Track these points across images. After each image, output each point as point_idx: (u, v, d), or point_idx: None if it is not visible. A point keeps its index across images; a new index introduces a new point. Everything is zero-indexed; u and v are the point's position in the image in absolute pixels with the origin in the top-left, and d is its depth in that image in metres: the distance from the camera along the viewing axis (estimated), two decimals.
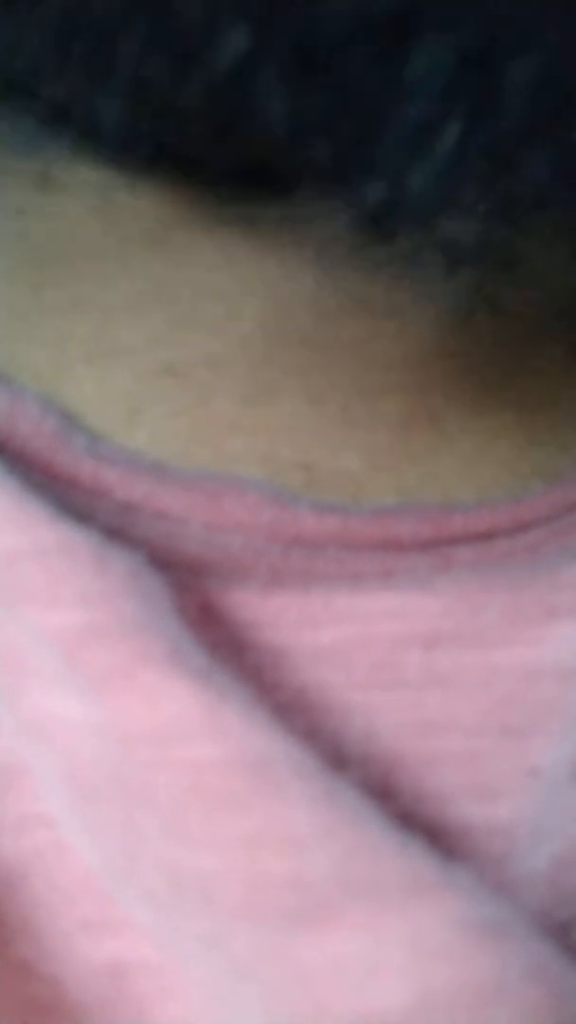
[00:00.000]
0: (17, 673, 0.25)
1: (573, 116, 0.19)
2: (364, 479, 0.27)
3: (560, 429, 0.28)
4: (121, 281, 0.26)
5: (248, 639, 0.26)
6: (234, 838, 0.24)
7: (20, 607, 0.24)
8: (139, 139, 0.22)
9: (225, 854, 0.24)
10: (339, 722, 0.26)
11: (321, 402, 0.27)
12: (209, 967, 0.24)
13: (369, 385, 0.27)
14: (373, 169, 0.21)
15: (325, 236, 0.25)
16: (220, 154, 0.22)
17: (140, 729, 0.24)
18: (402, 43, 0.19)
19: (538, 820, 0.26)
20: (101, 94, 0.21)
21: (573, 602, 0.27)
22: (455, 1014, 0.23)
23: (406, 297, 0.26)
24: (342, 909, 0.23)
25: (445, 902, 0.23)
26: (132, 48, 0.20)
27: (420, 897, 0.23)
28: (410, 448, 0.27)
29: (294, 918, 0.23)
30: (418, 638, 0.26)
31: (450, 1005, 0.23)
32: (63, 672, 0.24)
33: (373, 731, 0.26)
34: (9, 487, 0.25)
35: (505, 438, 0.28)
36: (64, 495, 0.26)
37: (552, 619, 0.27)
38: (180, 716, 0.24)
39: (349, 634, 0.26)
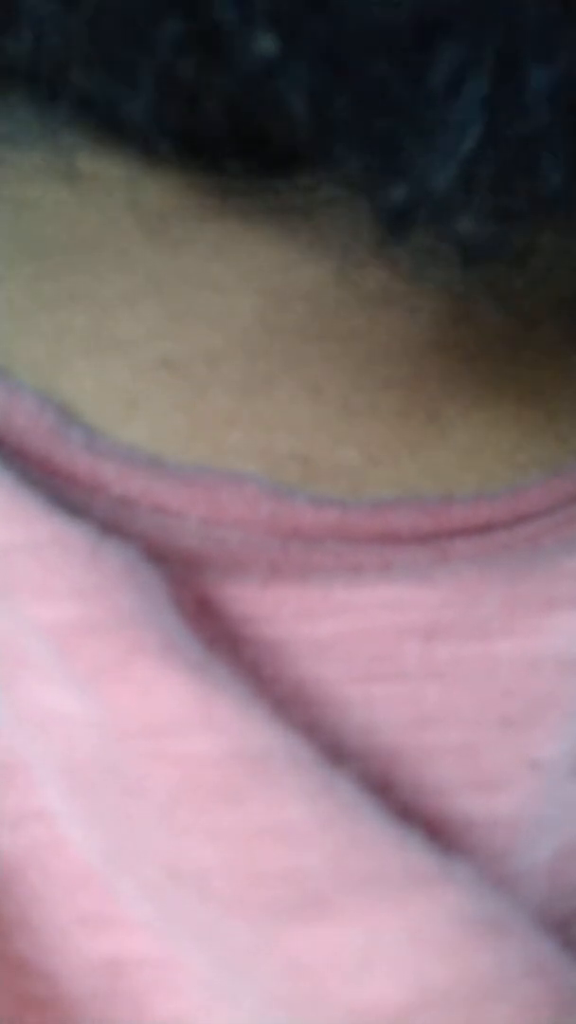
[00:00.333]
0: (12, 666, 0.25)
1: None
2: (362, 472, 0.27)
3: (558, 421, 0.28)
4: (118, 274, 0.26)
5: (246, 633, 0.26)
6: (230, 831, 0.24)
7: (14, 600, 0.25)
8: (162, 133, 0.22)
9: (221, 847, 0.24)
10: (338, 715, 0.26)
11: (319, 395, 0.27)
12: (206, 961, 0.24)
13: (367, 378, 0.27)
14: (396, 170, 0.21)
15: (325, 229, 0.25)
16: (239, 146, 0.23)
17: (135, 722, 0.24)
18: (426, 49, 0.20)
19: (539, 813, 0.26)
20: (129, 88, 0.22)
21: (572, 593, 0.27)
22: (453, 1009, 0.23)
23: (405, 289, 0.26)
24: (339, 902, 0.23)
25: (444, 896, 0.24)
26: (164, 46, 0.21)
27: (418, 891, 0.23)
28: (408, 441, 0.27)
29: (291, 911, 0.24)
30: (417, 630, 0.26)
31: (448, 1000, 0.23)
32: (58, 665, 0.24)
33: (372, 724, 0.26)
34: (5, 481, 0.25)
35: (503, 430, 0.28)
36: (61, 489, 0.26)
37: (551, 610, 0.27)
38: (175, 709, 0.24)
39: (348, 627, 0.26)
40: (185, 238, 0.26)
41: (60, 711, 0.25)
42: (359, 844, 0.24)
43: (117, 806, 0.24)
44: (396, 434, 0.27)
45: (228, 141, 0.22)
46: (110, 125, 0.23)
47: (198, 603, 0.26)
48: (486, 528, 0.27)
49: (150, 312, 0.26)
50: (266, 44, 0.20)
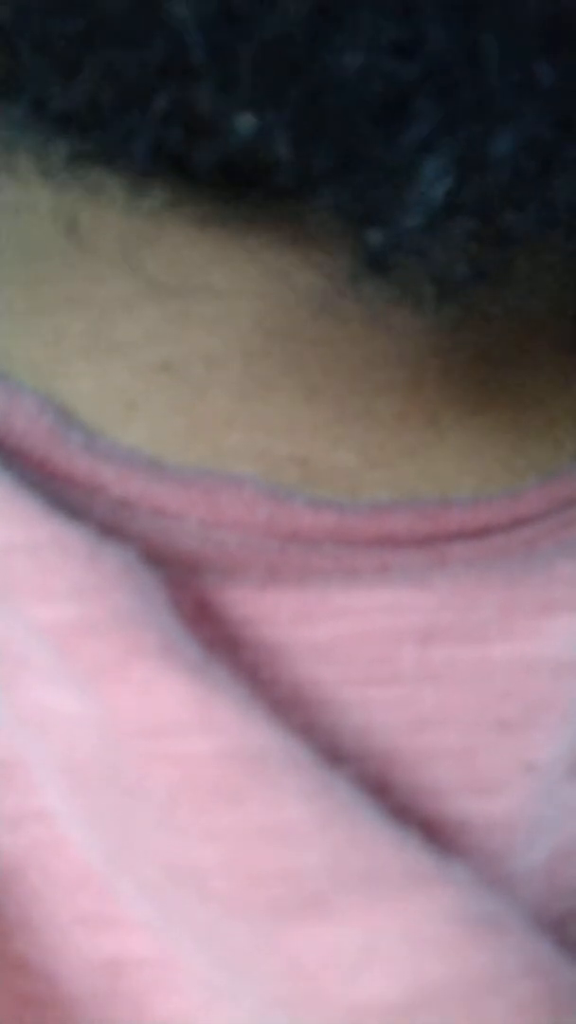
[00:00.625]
0: (12, 667, 0.25)
1: (551, 178, 0.22)
2: (360, 474, 0.27)
3: (555, 425, 0.28)
4: (117, 278, 0.26)
5: (244, 635, 0.26)
6: (228, 830, 0.24)
7: (14, 600, 0.25)
8: (156, 173, 0.24)
9: (219, 846, 0.24)
10: (335, 717, 0.26)
11: (317, 398, 0.27)
12: (206, 960, 0.25)
13: (365, 381, 0.27)
14: (372, 218, 0.23)
15: (320, 234, 0.25)
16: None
17: (134, 722, 0.24)
18: (401, 114, 0.22)
19: (535, 814, 0.26)
20: (123, 144, 0.23)
21: (568, 596, 0.27)
22: (450, 1007, 0.23)
23: (401, 293, 0.26)
24: (337, 901, 0.24)
25: (441, 895, 0.24)
26: (154, 117, 0.22)
27: (415, 890, 0.24)
28: (406, 444, 0.27)
29: (290, 910, 0.24)
30: (413, 633, 0.26)
31: (445, 998, 0.23)
32: (57, 665, 0.25)
33: (369, 726, 0.26)
34: (4, 482, 0.26)
35: (501, 434, 0.28)
36: (60, 491, 0.26)
37: (548, 613, 0.27)
38: (174, 709, 0.24)
39: (345, 630, 0.26)
40: (183, 243, 0.26)
41: (60, 711, 0.25)
42: (357, 844, 0.24)
43: (117, 806, 0.25)
44: (394, 437, 0.27)
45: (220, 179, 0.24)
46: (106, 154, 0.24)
47: (196, 605, 0.26)
48: (483, 531, 0.27)
49: (149, 315, 0.26)
50: (246, 122, 0.22)
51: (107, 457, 0.27)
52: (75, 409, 0.27)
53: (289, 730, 0.24)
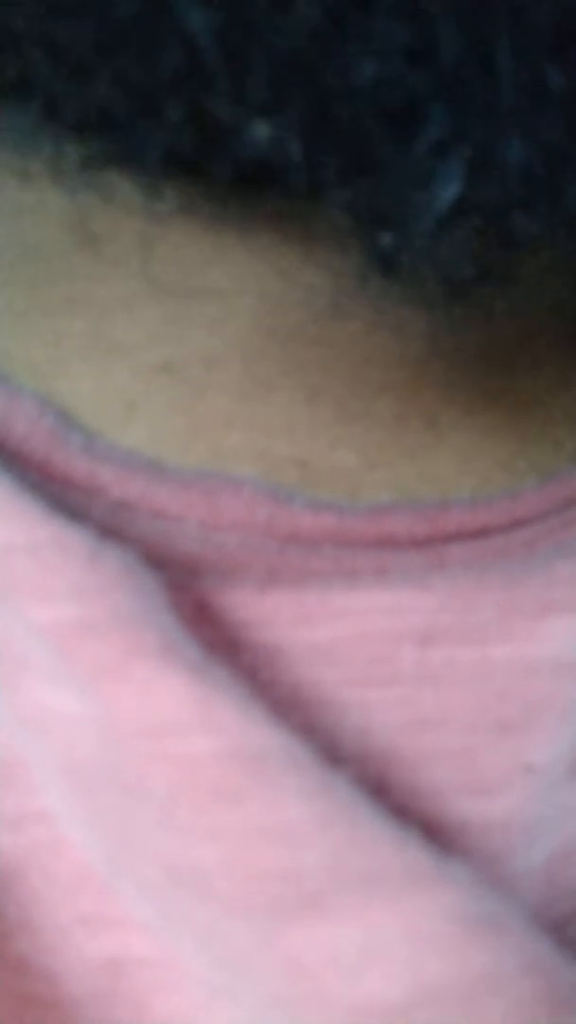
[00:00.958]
0: (12, 667, 0.25)
1: (562, 182, 0.23)
2: (360, 475, 0.27)
3: (554, 426, 0.28)
4: (117, 279, 0.27)
5: (244, 637, 0.26)
6: (228, 830, 0.24)
7: (14, 601, 0.25)
8: (168, 174, 0.24)
9: (220, 846, 0.24)
10: (334, 719, 0.26)
11: (317, 398, 0.27)
12: (206, 960, 0.25)
13: (364, 382, 0.27)
14: (382, 221, 0.23)
15: (322, 234, 0.26)
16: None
17: (134, 722, 0.24)
18: (412, 119, 0.22)
19: (534, 815, 0.26)
20: (137, 148, 0.23)
21: (567, 597, 0.27)
22: (449, 1006, 0.23)
23: (401, 294, 0.26)
24: (337, 901, 0.24)
25: (440, 895, 0.24)
26: (167, 125, 0.22)
27: (415, 889, 0.24)
28: (405, 445, 0.27)
29: (289, 910, 0.24)
30: (412, 634, 0.27)
31: (445, 997, 0.23)
32: (58, 665, 0.25)
33: (368, 728, 0.26)
34: (4, 484, 0.26)
35: (500, 435, 0.28)
36: (61, 493, 0.26)
37: (546, 614, 0.27)
38: (174, 709, 0.24)
39: (344, 631, 0.27)
40: (183, 244, 0.26)
41: (60, 711, 0.25)
42: (357, 843, 0.24)
43: (117, 806, 0.25)
44: (393, 438, 0.27)
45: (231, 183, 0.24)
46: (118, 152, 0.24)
47: (196, 607, 0.26)
48: (482, 533, 0.27)
49: (149, 316, 0.27)
50: (260, 129, 0.22)
51: (107, 459, 0.27)
52: (75, 409, 0.27)
53: (289, 731, 0.25)
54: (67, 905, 0.25)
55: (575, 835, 0.26)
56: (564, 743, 0.26)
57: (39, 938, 0.25)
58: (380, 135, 0.22)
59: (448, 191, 0.22)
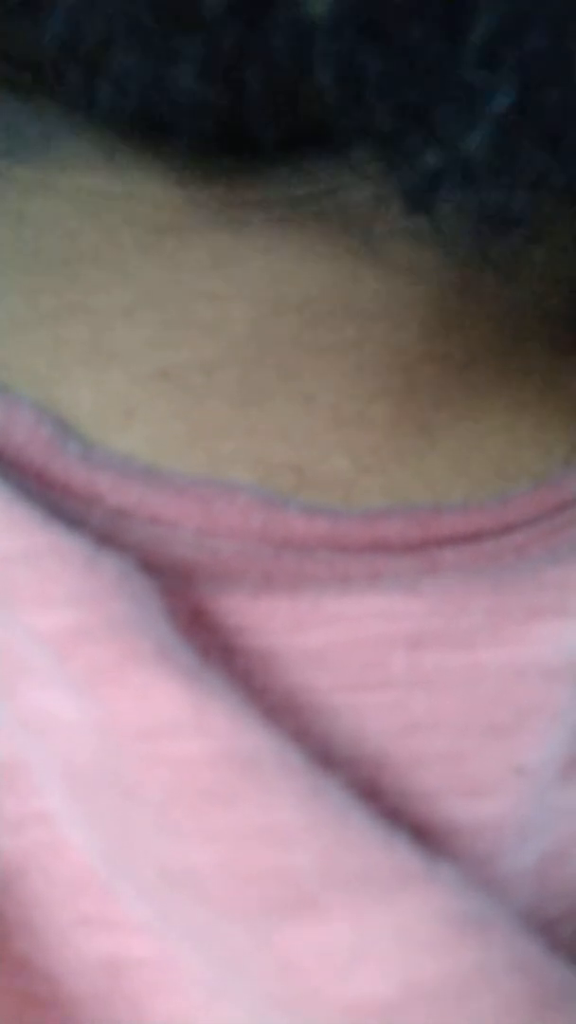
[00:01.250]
0: (12, 672, 0.26)
1: None
2: (354, 480, 0.28)
3: (546, 430, 0.29)
4: (116, 286, 0.27)
5: (238, 643, 0.27)
6: (222, 832, 0.24)
7: (13, 608, 0.25)
8: (199, 112, 0.23)
9: (214, 847, 0.24)
10: (327, 723, 0.27)
11: (311, 404, 0.27)
12: (203, 960, 0.25)
13: (359, 388, 0.27)
14: (429, 134, 0.22)
15: (317, 240, 0.26)
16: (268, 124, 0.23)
17: (131, 726, 0.25)
18: (461, 15, 0.21)
19: (525, 818, 0.26)
20: (174, 65, 0.22)
21: (557, 602, 0.27)
22: (439, 1004, 0.24)
23: (396, 300, 0.27)
24: (328, 901, 0.24)
25: (430, 895, 0.24)
26: (212, 10, 0.21)
27: (405, 890, 0.24)
28: (399, 450, 0.28)
29: (282, 910, 0.24)
30: (404, 639, 0.27)
31: (434, 995, 0.24)
32: (56, 670, 0.25)
33: (360, 732, 0.27)
34: (3, 492, 0.26)
35: (492, 440, 0.28)
36: (58, 501, 0.27)
37: (536, 619, 0.27)
38: (170, 713, 0.25)
39: (337, 636, 0.27)
40: (181, 251, 0.26)
41: (59, 715, 0.25)
42: (348, 844, 0.24)
43: (115, 808, 0.25)
44: (387, 443, 0.28)
45: (259, 119, 0.23)
46: (148, 110, 0.23)
47: (191, 613, 0.27)
48: (475, 537, 0.28)
49: (147, 323, 0.27)
50: (320, 5, 0.21)
51: (104, 467, 0.27)
52: (74, 416, 0.28)
53: (282, 735, 0.25)
54: (67, 906, 0.26)
55: (566, 837, 0.26)
56: (554, 746, 0.27)
57: (39, 938, 0.26)
58: (428, 31, 0.20)
59: (501, 100, 0.21)
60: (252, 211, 0.26)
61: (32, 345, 0.28)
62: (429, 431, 0.28)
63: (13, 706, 0.26)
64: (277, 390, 0.27)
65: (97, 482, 0.27)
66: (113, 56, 0.23)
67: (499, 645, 0.27)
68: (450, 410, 0.28)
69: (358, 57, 0.21)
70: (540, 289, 0.28)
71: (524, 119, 0.21)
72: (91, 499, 0.27)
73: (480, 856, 0.26)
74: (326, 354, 0.27)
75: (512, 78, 0.21)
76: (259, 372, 0.27)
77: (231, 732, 0.25)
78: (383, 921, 0.24)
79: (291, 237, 0.26)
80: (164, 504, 0.27)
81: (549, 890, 0.26)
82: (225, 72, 0.22)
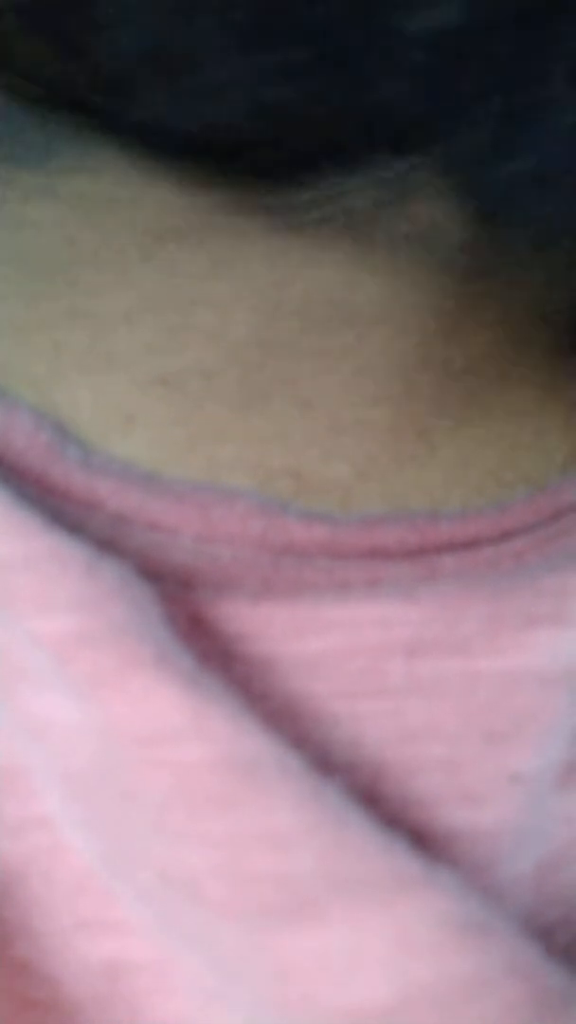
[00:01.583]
0: (12, 676, 0.26)
1: None
2: (352, 487, 0.28)
3: (545, 437, 0.29)
4: (116, 292, 0.27)
5: (237, 650, 0.27)
6: (220, 836, 0.25)
7: (13, 612, 0.26)
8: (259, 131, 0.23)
9: (213, 852, 0.25)
10: (325, 730, 0.27)
11: (310, 410, 0.28)
12: (201, 964, 0.25)
13: (357, 394, 0.28)
14: (513, 145, 0.22)
15: (316, 246, 0.26)
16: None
17: (130, 731, 0.25)
18: (552, 27, 0.21)
19: (522, 824, 0.27)
20: (279, 80, 0.22)
21: (554, 610, 0.28)
22: (437, 1009, 0.24)
23: (395, 307, 0.27)
24: (326, 905, 0.24)
25: (428, 900, 0.25)
26: (316, 28, 0.22)
27: (403, 894, 0.25)
28: (397, 456, 0.28)
29: (280, 914, 0.25)
30: (401, 646, 0.27)
31: (432, 1000, 0.24)
32: (57, 675, 0.25)
33: (358, 739, 0.27)
34: (3, 498, 0.26)
35: (490, 446, 0.29)
36: (58, 507, 0.27)
37: (533, 626, 0.27)
38: (169, 718, 0.25)
39: (335, 643, 0.27)
40: (181, 256, 0.27)
41: (59, 720, 0.26)
42: (346, 849, 0.25)
43: (114, 812, 0.25)
44: (385, 450, 0.28)
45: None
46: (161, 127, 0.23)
47: (191, 619, 0.27)
48: (473, 544, 0.28)
49: (148, 329, 0.27)
50: (449, 13, 0.21)
51: (103, 472, 0.27)
52: (74, 421, 0.28)
53: (281, 741, 0.25)
54: (67, 909, 0.26)
55: (563, 844, 0.27)
56: (551, 753, 0.27)
57: (39, 942, 0.26)
58: (516, 43, 0.21)
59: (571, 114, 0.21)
60: (252, 217, 0.26)
61: (32, 350, 0.28)
62: (428, 437, 0.28)
63: (13, 710, 0.26)
64: (276, 395, 0.27)
65: (97, 488, 0.27)
66: (201, 70, 0.22)
67: (496, 652, 0.27)
68: (449, 417, 0.28)
69: (454, 71, 0.22)
70: (539, 296, 0.28)
71: None
72: (91, 505, 0.27)
73: (478, 862, 0.26)
74: (325, 360, 0.27)
75: None
76: (259, 377, 0.27)
77: (230, 737, 0.25)
78: (382, 926, 0.24)
79: (291, 243, 0.26)
80: (163, 510, 0.27)
81: (546, 896, 0.26)
82: (326, 85, 0.22)
